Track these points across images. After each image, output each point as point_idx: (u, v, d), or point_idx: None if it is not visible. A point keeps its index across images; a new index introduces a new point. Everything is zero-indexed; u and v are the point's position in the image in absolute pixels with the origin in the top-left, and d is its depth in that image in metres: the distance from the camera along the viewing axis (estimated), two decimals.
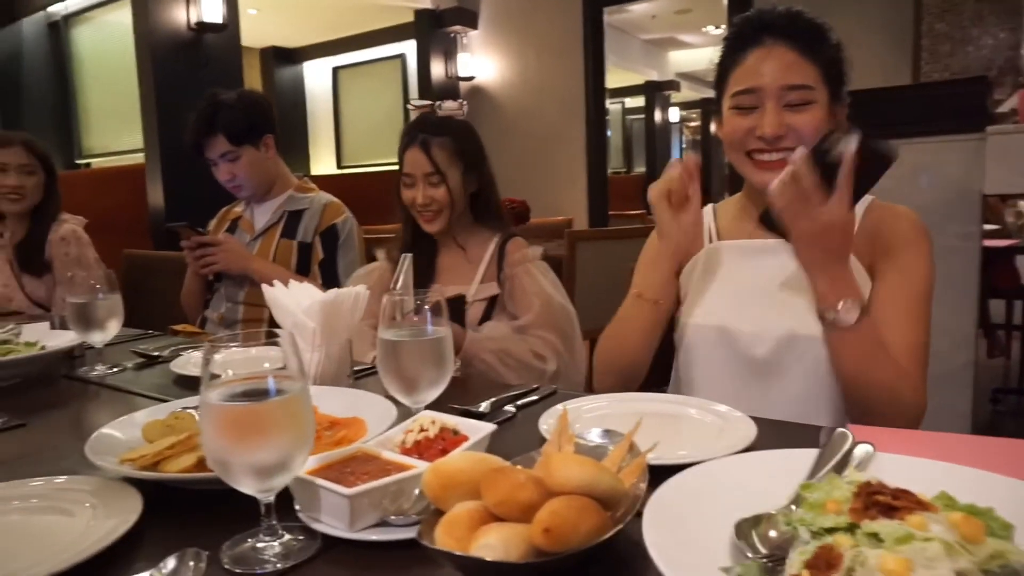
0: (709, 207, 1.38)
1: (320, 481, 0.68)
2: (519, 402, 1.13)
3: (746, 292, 1.23)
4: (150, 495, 0.76)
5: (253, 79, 6.81)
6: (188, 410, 0.98)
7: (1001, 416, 3.37)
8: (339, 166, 6.74)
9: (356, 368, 1.30)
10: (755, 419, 0.93)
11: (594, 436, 0.83)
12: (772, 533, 0.60)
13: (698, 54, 9.88)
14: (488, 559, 0.55)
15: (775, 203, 1.05)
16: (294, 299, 1.15)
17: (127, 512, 0.71)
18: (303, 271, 2.12)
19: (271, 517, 0.68)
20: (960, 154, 2.07)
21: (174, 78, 4.01)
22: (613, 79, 6.64)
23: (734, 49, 1.21)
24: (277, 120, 2.24)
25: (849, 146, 0.98)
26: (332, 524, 0.69)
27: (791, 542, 0.57)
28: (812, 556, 0.52)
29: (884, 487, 0.56)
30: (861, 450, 0.72)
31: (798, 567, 0.53)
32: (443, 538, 0.59)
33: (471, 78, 6.09)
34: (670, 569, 0.52)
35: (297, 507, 0.72)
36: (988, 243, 3.44)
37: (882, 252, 1.17)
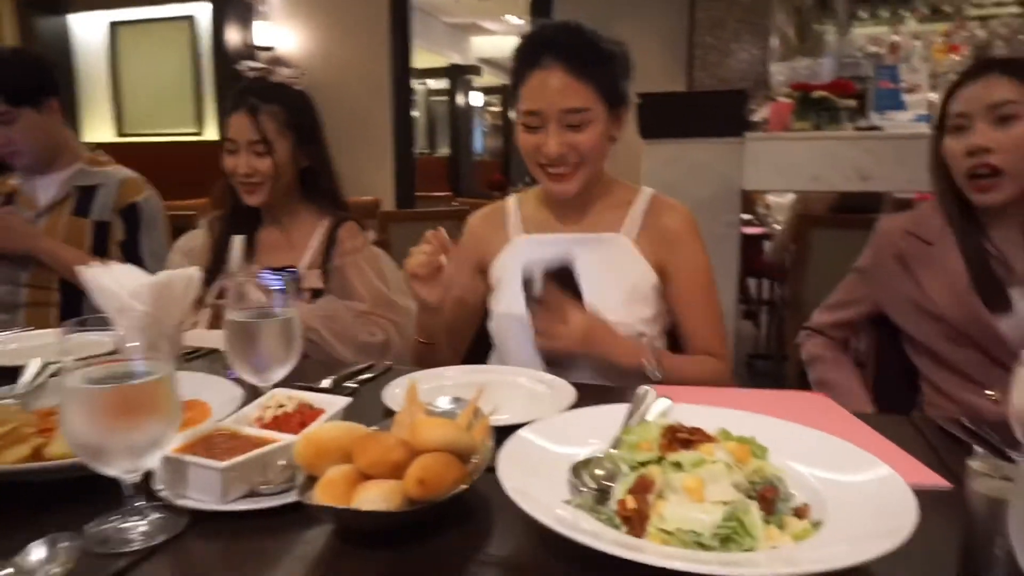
0: (513, 197, 1.50)
1: (190, 457, 0.70)
2: (359, 378, 1.19)
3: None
4: None
5: (4, 28, 5.90)
6: (3, 402, 0.92)
7: (755, 378, 3.98)
8: (120, 134, 6.09)
9: (186, 351, 1.27)
10: (573, 384, 1.08)
11: (442, 403, 0.92)
12: (599, 471, 0.74)
13: (499, 41, 10.22)
14: (372, 510, 0.62)
15: (543, 349, 1.23)
16: (118, 281, 1.10)
17: None
18: (99, 252, 1.96)
19: (136, 497, 0.69)
20: (725, 154, 2.43)
21: None
22: (417, 60, 6.68)
23: (521, 66, 1.30)
24: None
25: (538, 288, 1.17)
26: (201, 499, 0.71)
27: (615, 476, 0.71)
28: (632, 484, 0.67)
29: (683, 427, 0.72)
30: (663, 403, 0.89)
31: (622, 493, 0.67)
32: (322, 497, 0.65)
33: (270, 48, 5.78)
34: (529, 506, 0.63)
35: (160, 486, 0.73)
36: (744, 231, 4.04)
37: (667, 251, 1.35)
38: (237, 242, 1.25)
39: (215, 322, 1.50)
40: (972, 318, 1.24)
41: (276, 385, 0.96)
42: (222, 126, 1.59)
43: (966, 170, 1.24)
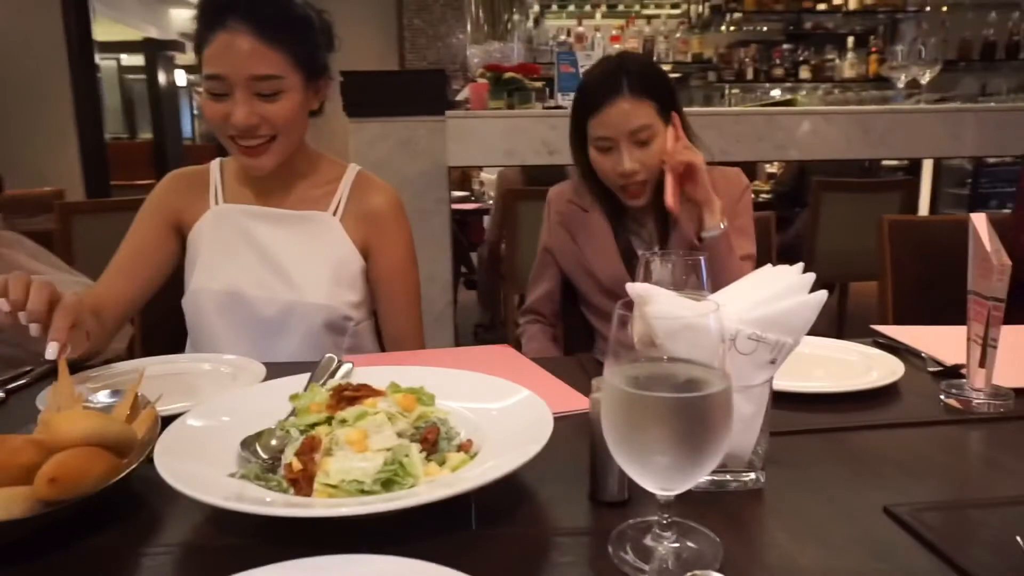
0: (216, 162, 1.38)
1: None
2: (10, 386, 1.03)
3: (255, 257, 1.29)
4: None
5: None
6: None
7: (482, 344, 4.22)
8: None
9: None
10: (266, 364, 1.05)
11: (102, 397, 0.84)
12: (273, 442, 0.73)
13: None
14: None
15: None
16: None
17: None
18: None
19: None
20: (430, 132, 2.52)
21: None
22: (104, 32, 5.88)
23: (203, 26, 1.18)
24: None
25: None
26: None
27: (289, 443, 0.71)
28: (300, 447, 0.67)
29: (350, 385, 0.74)
30: (345, 367, 0.91)
31: (290, 457, 0.67)
32: None
33: None
34: (181, 484, 0.60)
35: None
36: (462, 206, 4.24)
37: (371, 232, 1.34)
38: None
39: None
40: (617, 277, 1.44)
41: None
42: None
43: (618, 186, 1.42)
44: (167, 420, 0.75)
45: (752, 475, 0.70)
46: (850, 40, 5.81)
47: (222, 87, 1.17)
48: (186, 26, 1.23)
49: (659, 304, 0.63)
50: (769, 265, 0.75)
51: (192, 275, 1.30)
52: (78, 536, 0.63)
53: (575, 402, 0.93)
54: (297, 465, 0.65)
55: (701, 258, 0.84)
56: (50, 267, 1.48)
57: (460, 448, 0.72)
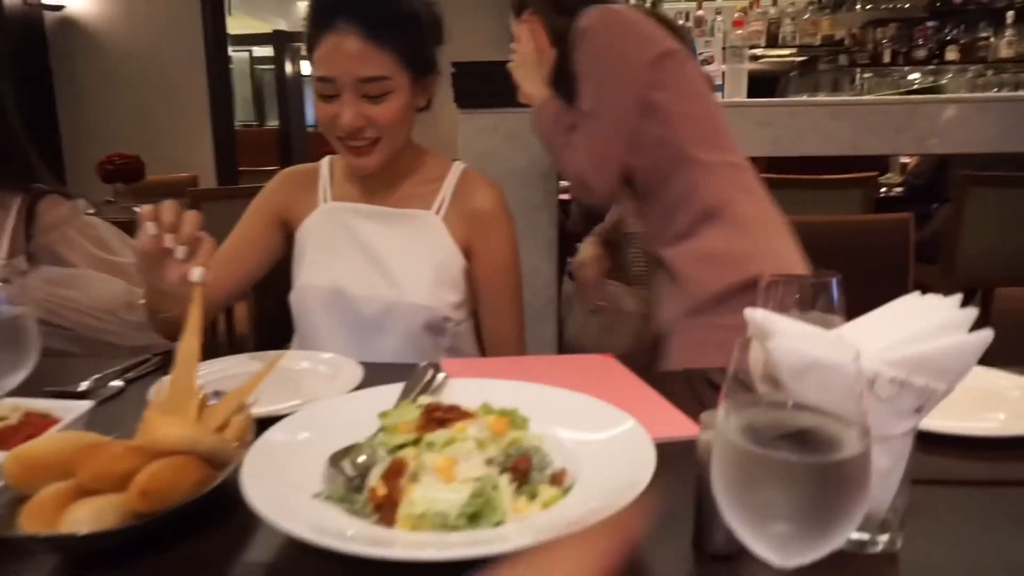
0: (327, 160, 1.41)
1: None
2: (129, 375, 1.08)
3: (358, 255, 1.30)
4: None
5: None
6: None
7: None
8: None
9: None
10: (364, 364, 1.04)
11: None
12: (361, 459, 0.70)
13: None
14: (81, 533, 0.55)
15: None
16: None
17: None
18: None
19: None
20: None
21: None
22: (236, 25, 6.23)
23: (313, 28, 1.19)
24: None
25: None
26: None
27: (376, 462, 0.68)
28: (386, 469, 0.64)
29: (440, 405, 0.70)
30: (438, 378, 0.87)
31: (376, 480, 0.64)
32: (28, 523, 0.57)
33: (59, 8, 5.14)
34: (265, 508, 0.58)
35: None
36: (568, 196, 4.16)
37: (474, 231, 1.31)
38: None
39: None
40: None
41: (16, 392, 0.84)
42: None
43: None
44: (261, 422, 0.75)
45: (887, 536, 0.61)
46: (1009, 15, 5.21)
47: (331, 88, 1.18)
48: None
49: (784, 337, 0.55)
50: (917, 293, 0.65)
51: (300, 271, 1.32)
52: (164, 546, 0.63)
53: (682, 427, 0.85)
54: (382, 490, 0.62)
55: (833, 279, 0.74)
56: (109, 252, 1.52)
57: (553, 479, 0.67)
